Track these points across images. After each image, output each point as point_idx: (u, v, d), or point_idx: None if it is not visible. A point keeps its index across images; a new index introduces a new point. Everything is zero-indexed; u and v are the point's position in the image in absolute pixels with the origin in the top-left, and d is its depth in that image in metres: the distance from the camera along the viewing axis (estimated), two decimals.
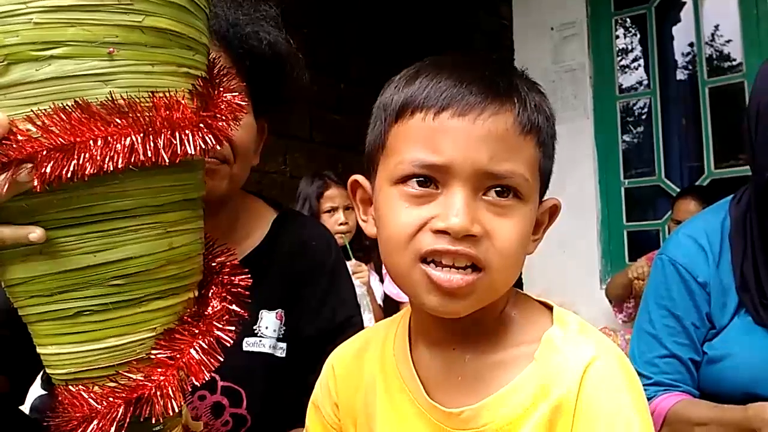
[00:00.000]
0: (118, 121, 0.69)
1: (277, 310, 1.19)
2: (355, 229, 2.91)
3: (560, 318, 0.80)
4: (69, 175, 0.67)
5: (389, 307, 2.92)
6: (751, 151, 1.27)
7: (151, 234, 0.76)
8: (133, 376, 0.77)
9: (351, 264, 2.72)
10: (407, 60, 0.81)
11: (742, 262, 1.30)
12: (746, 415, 1.19)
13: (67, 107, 0.68)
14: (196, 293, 0.85)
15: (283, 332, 1.19)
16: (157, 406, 0.76)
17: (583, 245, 4.07)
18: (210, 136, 0.76)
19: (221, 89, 0.82)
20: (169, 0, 0.73)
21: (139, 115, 0.70)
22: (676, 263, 1.35)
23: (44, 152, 0.67)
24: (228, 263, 0.90)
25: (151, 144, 0.70)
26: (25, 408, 1.26)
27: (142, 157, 0.70)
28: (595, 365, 0.73)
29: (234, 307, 0.86)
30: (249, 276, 0.90)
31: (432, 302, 0.73)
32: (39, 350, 0.79)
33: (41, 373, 1.19)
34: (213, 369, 0.80)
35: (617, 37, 4.31)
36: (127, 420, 0.75)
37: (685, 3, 4.12)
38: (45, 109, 0.67)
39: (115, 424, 0.75)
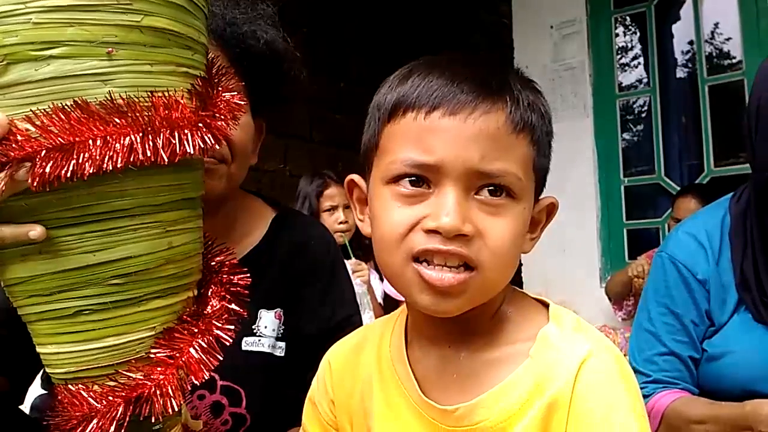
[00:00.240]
0: (117, 120, 0.69)
1: (276, 310, 1.19)
2: (354, 228, 2.91)
3: (556, 315, 0.80)
4: (68, 174, 0.67)
5: (389, 305, 2.93)
6: (751, 149, 1.27)
7: (150, 233, 0.76)
8: (133, 375, 0.77)
9: (351, 263, 2.72)
10: (407, 59, 0.81)
11: (742, 259, 1.30)
12: (743, 412, 1.19)
13: (66, 107, 0.68)
14: (196, 292, 0.85)
15: (282, 332, 1.19)
16: (156, 405, 0.76)
17: (582, 244, 4.07)
18: (209, 135, 0.76)
19: (220, 89, 0.82)
20: (167, 0, 0.73)
21: (138, 114, 0.70)
22: (676, 261, 1.36)
23: (43, 152, 0.67)
24: (227, 262, 0.90)
25: (150, 143, 0.71)
26: (26, 408, 1.26)
27: (141, 157, 0.70)
28: (591, 362, 0.73)
29: (233, 306, 0.86)
30: (248, 275, 0.90)
31: (424, 301, 0.73)
32: (38, 349, 0.79)
33: (41, 372, 1.19)
34: (212, 368, 0.80)
35: (617, 35, 4.31)
36: (127, 419, 0.75)
37: (684, 1, 4.12)
38: (44, 109, 0.68)
39: (114, 423, 0.75)
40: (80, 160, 0.67)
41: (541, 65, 4.19)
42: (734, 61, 4.12)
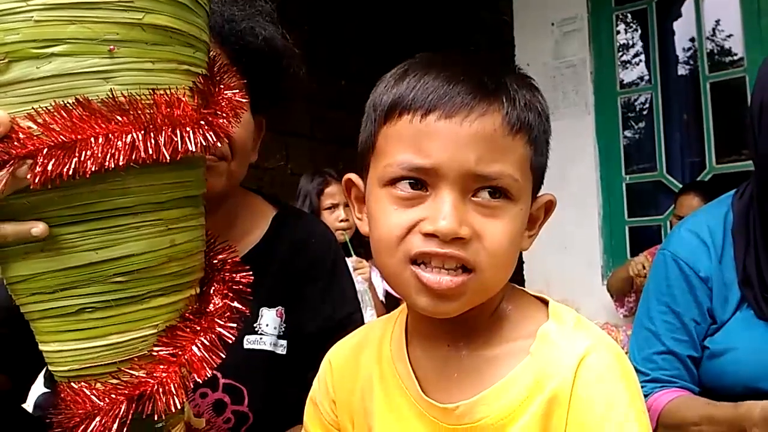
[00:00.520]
0: (119, 118, 0.69)
1: (277, 308, 1.19)
2: (355, 226, 2.91)
3: (556, 313, 0.80)
4: (70, 172, 0.67)
5: (391, 303, 2.93)
6: (754, 145, 1.27)
7: (152, 231, 0.76)
8: (136, 373, 0.77)
9: (352, 261, 2.72)
10: (407, 56, 0.81)
11: (745, 256, 1.30)
12: (736, 414, 1.19)
13: (68, 105, 0.68)
14: (198, 290, 0.85)
15: (283, 330, 1.19)
16: (159, 403, 0.76)
17: (584, 241, 4.07)
18: (211, 133, 0.76)
19: (222, 86, 0.82)
20: None
21: (139, 112, 0.70)
22: (678, 258, 1.35)
23: (45, 150, 0.67)
24: (229, 260, 0.90)
25: (152, 141, 0.70)
26: (28, 406, 1.26)
27: (143, 155, 0.70)
28: (590, 358, 0.73)
29: (235, 304, 0.86)
30: (250, 273, 0.90)
31: (422, 303, 0.73)
32: (41, 347, 0.79)
33: (44, 370, 1.19)
34: (215, 366, 0.81)
35: (618, 32, 4.30)
36: (130, 417, 0.75)
37: None
38: (46, 107, 0.68)
39: (117, 420, 0.75)
40: (82, 158, 0.67)
41: (542, 63, 4.19)
42: (736, 58, 4.11)
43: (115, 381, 0.77)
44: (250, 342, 1.16)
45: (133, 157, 0.70)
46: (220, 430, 1.12)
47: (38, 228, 0.71)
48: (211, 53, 0.86)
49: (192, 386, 0.82)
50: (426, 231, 0.71)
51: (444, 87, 0.72)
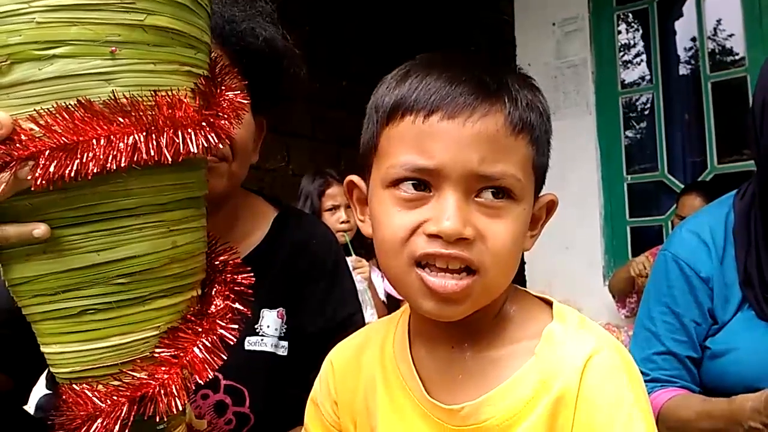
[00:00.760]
0: (121, 120, 0.69)
1: (278, 309, 1.19)
2: (356, 227, 2.91)
3: (560, 313, 0.80)
4: (72, 174, 0.67)
5: (391, 305, 2.93)
6: (756, 146, 1.26)
7: (154, 232, 0.76)
8: (137, 375, 0.77)
9: (352, 260, 2.72)
10: (408, 57, 0.81)
11: (746, 256, 1.30)
12: (731, 409, 1.19)
13: (69, 106, 0.68)
14: (200, 291, 0.85)
15: (284, 331, 1.19)
16: (160, 405, 0.76)
17: (585, 241, 4.07)
18: (212, 134, 0.76)
19: (223, 87, 0.82)
20: None
21: (141, 113, 0.70)
22: (679, 259, 1.35)
23: (47, 151, 0.67)
24: (231, 261, 0.90)
25: (154, 143, 0.70)
26: (30, 407, 1.26)
27: (144, 156, 0.70)
28: (596, 358, 0.73)
29: (237, 305, 0.86)
30: (252, 274, 0.90)
31: (427, 307, 0.73)
32: (43, 349, 0.79)
33: (45, 372, 1.19)
34: (216, 367, 0.80)
35: (619, 32, 4.31)
36: (131, 418, 0.75)
37: None
38: (48, 109, 0.67)
39: (119, 422, 0.75)
40: (84, 160, 0.67)
41: (544, 63, 4.20)
42: (737, 57, 4.11)
43: (116, 383, 0.77)
44: (251, 343, 1.16)
45: (135, 158, 0.70)
46: (221, 431, 1.12)
47: (40, 229, 0.71)
48: (212, 54, 0.86)
49: (193, 388, 0.82)
50: (430, 232, 0.71)
51: (446, 88, 0.72)
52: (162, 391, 0.76)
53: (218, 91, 0.81)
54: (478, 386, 0.77)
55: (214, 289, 0.87)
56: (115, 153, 0.68)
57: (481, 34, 4.39)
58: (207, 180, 0.87)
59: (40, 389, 1.24)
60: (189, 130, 0.73)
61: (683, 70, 4.45)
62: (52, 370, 0.81)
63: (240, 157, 1.13)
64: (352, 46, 3.73)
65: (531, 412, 0.74)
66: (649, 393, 1.30)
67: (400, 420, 0.82)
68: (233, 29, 1.12)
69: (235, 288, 0.88)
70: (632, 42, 4.62)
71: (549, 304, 0.82)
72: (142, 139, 0.70)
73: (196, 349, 0.79)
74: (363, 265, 2.81)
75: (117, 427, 0.75)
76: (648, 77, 4.30)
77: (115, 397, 0.76)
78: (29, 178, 0.67)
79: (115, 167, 0.69)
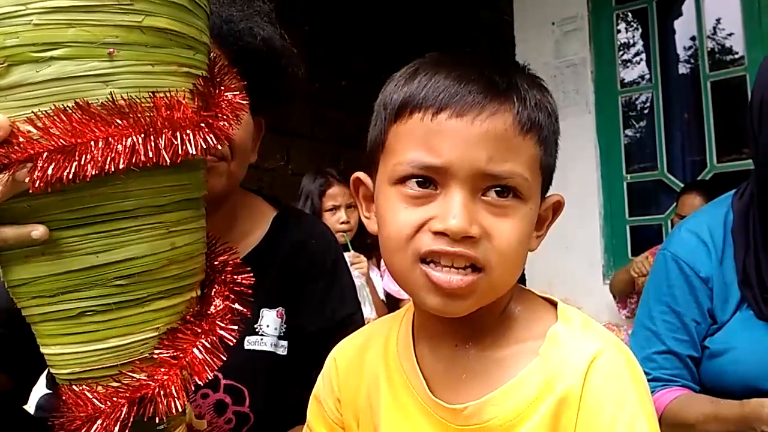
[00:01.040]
0: (119, 121, 0.69)
1: (277, 309, 1.19)
2: (356, 228, 2.91)
3: (564, 314, 0.80)
4: (70, 176, 0.67)
5: (389, 304, 2.93)
6: (755, 144, 1.26)
7: (153, 234, 0.76)
8: (137, 376, 0.77)
9: (349, 255, 2.71)
10: (408, 56, 0.81)
11: (744, 257, 1.30)
12: (743, 411, 1.19)
13: (67, 108, 0.67)
14: (199, 292, 0.85)
15: (284, 330, 1.19)
16: (160, 406, 0.76)
17: (585, 240, 4.07)
18: (211, 135, 0.76)
19: (222, 88, 0.82)
20: (169, 0, 0.73)
21: (139, 115, 0.70)
22: (678, 259, 1.35)
23: (45, 154, 0.67)
24: (230, 262, 0.90)
25: (152, 144, 0.70)
26: (30, 407, 1.26)
27: (143, 158, 0.70)
28: (600, 359, 0.73)
29: (236, 306, 0.86)
30: (251, 275, 0.90)
31: (432, 302, 0.73)
32: (43, 350, 0.79)
33: (45, 372, 1.19)
34: (216, 368, 0.80)
35: (618, 31, 4.31)
36: (131, 419, 0.75)
37: None
38: (46, 111, 0.67)
39: (118, 423, 0.75)
40: (82, 162, 0.67)
41: (543, 62, 4.20)
42: (736, 56, 4.11)
43: (116, 384, 0.77)
44: (250, 343, 1.16)
45: (133, 160, 0.69)
46: (222, 431, 1.12)
47: (38, 231, 0.71)
48: (210, 54, 0.86)
49: (193, 388, 0.82)
50: (436, 229, 0.71)
51: (455, 86, 0.72)
52: (161, 392, 0.76)
53: (217, 91, 0.81)
54: (482, 386, 0.77)
55: (214, 290, 0.87)
56: (113, 155, 0.68)
57: (480, 34, 4.39)
58: (206, 180, 0.87)
59: (40, 389, 1.24)
60: (187, 132, 0.73)
61: (683, 69, 4.45)
62: (52, 371, 0.81)
63: (239, 157, 1.13)
64: (351, 46, 3.73)
65: (534, 412, 0.74)
66: (651, 392, 1.30)
67: (404, 418, 0.82)
68: (231, 29, 1.12)
69: (235, 288, 0.88)
70: (631, 41, 4.62)
71: (554, 304, 0.82)
72: (140, 141, 0.70)
73: (195, 350, 0.79)
74: (360, 261, 2.81)
75: (117, 428, 0.75)
76: (647, 76, 4.30)
77: (114, 399, 0.76)
78: (27, 180, 0.67)
79: (113, 169, 0.69)
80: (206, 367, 0.80)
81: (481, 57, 0.79)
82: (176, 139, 0.72)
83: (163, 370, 0.78)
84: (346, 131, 3.47)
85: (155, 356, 0.78)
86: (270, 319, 1.18)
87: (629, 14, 4.48)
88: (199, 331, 0.81)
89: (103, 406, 0.76)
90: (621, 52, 4.39)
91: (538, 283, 3.82)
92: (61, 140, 0.67)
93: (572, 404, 0.72)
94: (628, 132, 4.38)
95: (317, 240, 1.27)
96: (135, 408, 0.76)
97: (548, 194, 0.81)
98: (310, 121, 3.51)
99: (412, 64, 0.79)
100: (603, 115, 4.17)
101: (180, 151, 0.72)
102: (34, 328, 0.79)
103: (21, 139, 0.67)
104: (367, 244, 2.89)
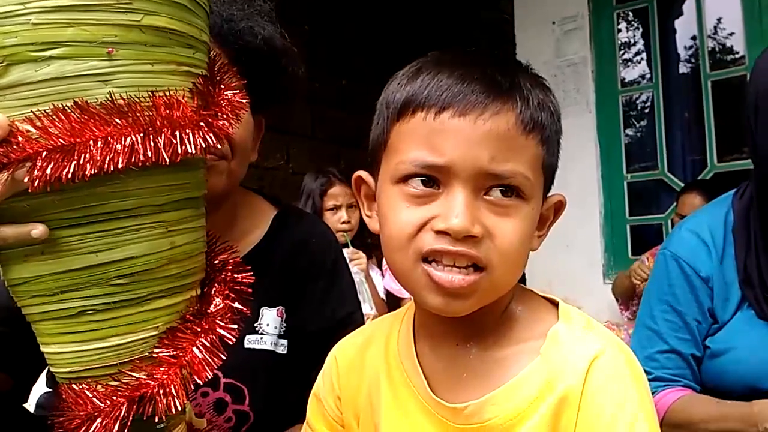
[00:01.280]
0: (118, 121, 0.69)
1: (277, 307, 1.19)
2: (357, 228, 2.91)
3: (566, 314, 0.80)
4: (69, 175, 0.67)
5: (390, 302, 2.93)
6: (753, 143, 1.26)
7: (152, 233, 0.76)
8: (136, 375, 0.77)
9: (348, 251, 2.72)
10: (409, 55, 0.81)
11: (745, 256, 1.30)
12: (751, 412, 1.19)
13: (66, 108, 0.67)
14: (199, 291, 0.85)
15: (284, 329, 1.19)
16: (160, 405, 0.76)
17: (585, 239, 4.07)
18: (211, 134, 0.76)
19: (222, 87, 0.82)
20: None
21: (139, 114, 0.70)
22: (679, 258, 1.35)
23: (44, 153, 0.67)
24: (230, 261, 0.90)
25: (152, 143, 0.70)
26: (30, 405, 1.26)
27: (142, 157, 0.70)
28: (601, 359, 0.73)
29: (236, 304, 0.86)
30: (251, 274, 0.90)
31: (434, 302, 0.73)
32: (42, 349, 0.79)
33: (45, 370, 1.19)
34: (216, 367, 0.80)
35: (619, 30, 4.31)
36: (131, 418, 0.75)
37: None
38: (45, 110, 0.67)
39: (118, 422, 0.75)
40: (81, 161, 0.67)
41: (543, 61, 4.19)
42: (737, 56, 4.11)
43: (115, 383, 0.77)
44: (250, 341, 1.16)
45: (133, 159, 0.69)
46: (222, 430, 1.12)
47: (38, 230, 0.71)
48: (210, 53, 0.86)
49: (193, 387, 0.82)
50: (438, 229, 0.71)
51: (458, 85, 0.72)
52: (161, 391, 0.76)
53: (217, 90, 0.81)
54: (483, 385, 0.77)
55: (214, 289, 0.87)
56: (112, 154, 0.68)
57: (481, 33, 4.39)
58: (206, 179, 0.87)
59: (40, 387, 1.25)
60: (187, 131, 0.73)
61: (683, 68, 4.45)
62: (52, 369, 0.81)
63: (239, 156, 1.13)
64: (352, 45, 3.73)
65: (534, 412, 0.74)
66: (653, 392, 1.30)
67: (404, 417, 0.83)
68: (231, 28, 1.12)
69: (235, 287, 0.88)
70: (632, 40, 4.61)
71: (555, 304, 0.82)
72: (139, 140, 0.70)
73: (195, 349, 0.79)
74: (360, 257, 2.81)
75: (116, 427, 0.75)
76: (648, 76, 4.30)
77: (114, 397, 0.76)
78: (26, 179, 0.67)
79: (112, 168, 0.68)
80: (206, 366, 0.80)
81: (483, 56, 0.79)
82: (176, 139, 0.72)
83: (162, 369, 0.78)
84: (347, 131, 3.47)
85: (155, 355, 0.78)
86: (270, 318, 1.18)
87: (630, 13, 4.48)
88: (199, 330, 0.81)
89: (102, 404, 0.76)
90: (621, 52, 4.39)
91: (539, 283, 3.81)
92: (60, 139, 0.67)
93: (572, 404, 0.72)
94: (629, 131, 4.38)
95: (318, 239, 1.27)
96: (135, 407, 0.76)
97: (550, 194, 0.81)
98: (310, 120, 3.51)
99: (414, 63, 0.79)
100: (603, 114, 4.17)
101: (179, 151, 0.72)
102: (34, 327, 0.79)
103: (20, 139, 0.67)
104: (368, 243, 2.89)
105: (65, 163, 0.67)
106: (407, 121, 0.74)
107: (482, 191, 0.72)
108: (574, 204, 3.85)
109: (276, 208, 1.29)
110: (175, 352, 0.79)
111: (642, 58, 4.54)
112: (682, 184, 3.74)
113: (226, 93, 0.82)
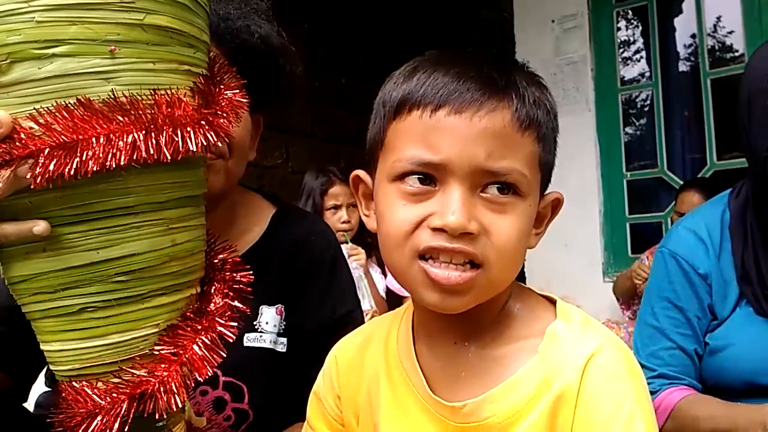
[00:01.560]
0: (120, 118, 0.70)
1: (277, 306, 1.19)
2: (357, 227, 2.91)
3: (564, 312, 0.80)
4: (71, 172, 0.67)
5: (392, 301, 2.93)
6: (747, 140, 1.27)
7: (153, 231, 0.76)
8: (137, 372, 0.77)
9: (347, 247, 2.72)
10: (408, 54, 0.81)
11: (743, 253, 1.30)
12: (762, 411, 1.17)
13: (69, 105, 0.68)
14: (199, 289, 0.86)
15: (283, 327, 1.19)
16: (160, 402, 0.76)
17: (585, 238, 4.08)
18: (211, 133, 0.76)
19: (222, 86, 0.82)
20: None
21: (140, 112, 0.70)
22: (677, 256, 1.36)
23: (47, 150, 0.67)
24: (230, 259, 0.91)
25: (153, 141, 0.71)
26: (30, 405, 1.26)
27: (144, 155, 0.70)
28: (598, 357, 0.73)
29: (236, 303, 0.86)
30: (251, 272, 0.90)
31: (431, 299, 0.73)
32: (43, 347, 0.80)
33: (45, 369, 1.20)
34: (216, 365, 0.81)
35: (619, 29, 4.31)
36: (131, 416, 0.76)
37: None
38: (47, 107, 0.68)
39: (118, 419, 0.75)
40: (83, 158, 0.68)
41: (543, 59, 4.19)
42: (736, 54, 4.12)
43: (116, 380, 0.77)
44: (250, 340, 1.16)
45: (134, 157, 0.70)
46: (221, 428, 1.12)
47: (40, 226, 0.71)
48: (212, 53, 0.86)
49: (193, 385, 0.83)
50: (434, 226, 0.71)
51: (454, 83, 0.72)
52: (161, 389, 0.76)
53: (217, 89, 0.81)
54: (481, 383, 0.78)
55: (214, 287, 0.87)
56: (114, 151, 0.68)
57: (480, 32, 4.39)
58: (206, 178, 0.87)
59: (39, 386, 1.25)
60: (188, 129, 0.74)
61: (683, 66, 4.45)
62: (52, 367, 0.81)
63: (237, 155, 1.13)
64: (351, 44, 3.73)
65: (532, 410, 0.74)
66: (658, 390, 1.30)
67: (403, 416, 0.83)
68: (228, 27, 1.12)
69: (235, 286, 0.88)
70: (632, 39, 4.62)
71: (553, 302, 0.83)
72: (141, 138, 0.70)
73: (195, 347, 0.80)
74: (358, 252, 2.82)
75: (117, 425, 0.75)
76: (647, 74, 4.30)
77: (114, 395, 0.76)
78: (29, 176, 0.67)
79: (114, 165, 0.69)
80: (206, 364, 0.80)
81: (479, 55, 0.79)
82: (177, 136, 0.72)
83: (163, 366, 0.78)
84: (346, 130, 3.47)
85: (155, 353, 0.78)
86: (269, 316, 1.18)
87: (629, 12, 4.48)
88: (199, 328, 0.81)
89: (102, 402, 0.76)
90: (621, 50, 4.39)
91: (538, 281, 3.82)
92: (62, 137, 0.67)
93: (569, 401, 0.73)
94: (628, 130, 4.38)
95: (317, 238, 1.27)
96: (135, 404, 0.76)
97: (547, 192, 0.81)
98: (310, 119, 3.52)
99: (411, 62, 0.79)
100: (603, 112, 4.17)
101: (181, 148, 0.73)
102: (35, 325, 0.79)
103: (23, 136, 0.67)
104: (368, 243, 2.89)
105: (68, 160, 0.67)
106: (404, 120, 0.74)
107: (479, 188, 0.72)
108: (574, 203, 3.87)
109: (275, 207, 1.29)
110: (175, 350, 0.79)
111: (641, 57, 4.55)
112: (682, 183, 3.74)
113: (226, 92, 0.82)
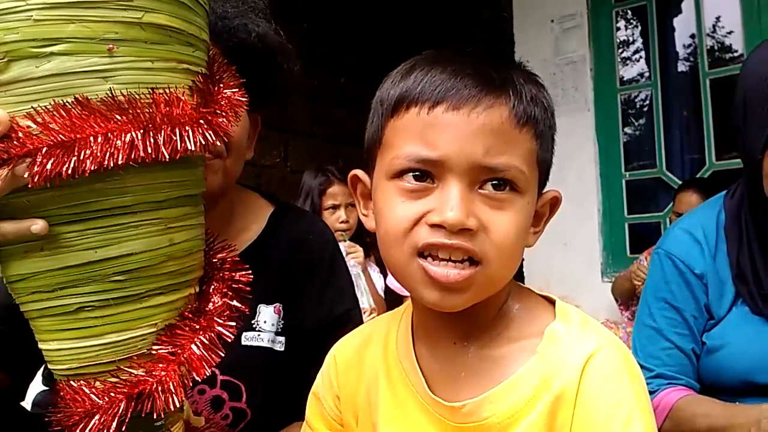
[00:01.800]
0: (118, 117, 0.69)
1: (275, 305, 1.19)
2: (355, 227, 2.91)
3: (563, 312, 0.80)
4: (69, 171, 0.67)
5: (391, 300, 2.93)
6: (742, 140, 1.27)
7: (151, 230, 0.76)
8: (135, 372, 0.77)
9: (345, 245, 2.72)
10: (408, 54, 0.81)
11: (738, 253, 1.31)
12: (760, 409, 1.17)
13: (67, 104, 0.68)
14: (197, 289, 0.86)
15: (281, 326, 1.19)
16: (158, 401, 0.76)
17: (584, 238, 4.08)
18: (210, 132, 0.76)
19: (221, 85, 0.82)
20: None
21: (139, 111, 0.70)
22: (673, 256, 1.36)
23: (44, 149, 0.67)
24: (228, 259, 0.90)
25: (151, 140, 0.70)
26: (27, 404, 1.26)
27: (142, 154, 0.70)
28: (597, 357, 0.74)
29: (234, 302, 0.86)
30: (249, 272, 0.90)
31: (429, 296, 0.73)
32: (40, 346, 0.79)
33: (42, 369, 1.19)
34: (214, 364, 0.81)
35: (618, 29, 4.31)
36: (129, 415, 0.76)
37: None
38: (45, 106, 0.68)
39: (116, 419, 0.75)
40: (81, 157, 0.67)
41: (542, 60, 4.19)
42: (736, 54, 4.12)
43: (114, 379, 0.77)
44: (248, 339, 1.16)
45: (133, 156, 0.70)
46: (219, 427, 1.12)
47: (38, 225, 0.71)
48: (211, 52, 0.86)
49: (191, 384, 0.83)
50: (433, 222, 0.71)
51: (451, 80, 0.72)
52: (159, 388, 0.76)
53: (216, 88, 0.81)
54: (480, 384, 0.78)
55: (212, 287, 0.87)
56: (112, 150, 0.68)
57: (480, 32, 4.39)
58: (204, 177, 0.87)
59: (36, 386, 1.25)
60: (186, 128, 0.73)
61: (682, 67, 4.45)
62: (50, 366, 0.81)
63: (234, 154, 1.12)
64: (350, 43, 3.73)
65: (531, 410, 0.74)
66: (657, 390, 1.30)
67: (402, 416, 0.83)
68: (225, 25, 1.12)
69: (233, 285, 0.88)
70: (631, 39, 4.62)
71: (552, 302, 0.83)
72: (139, 137, 0.70)
73: (193, 346, 0.79)
74: (356, 250, 2.82)
75: (114, 424, 0.75)
76: (647, 74, 4.30)
77: (112, 394, 0.76)
78: (26, 175, 0.67)
79: (112, 165, 0.69)
80: (204, 364, 0.80)
81: (476, 53, 0.79)
82: (175, 136, 0.72)
83: (161, 365, 0.78)
84: (345, 129, 3.47)
85: (153, 352, 0.78)
86: (267, 315, 1.18)
87: (629, 12, 4.48)
88: (197, 327, 0.81)
89: (100, 401, 0.76)
90: (620, 50, 4.40)
91: (537, 281, 3.83)
92: (60, 135, 0.67)
93: (568, 401, 0.73)
94: (627, 130, 4.38)
95: (315, 237, 1.27)
96: (133, 404, 0.76)
97: (545, 190, 0.81)
98: (309, 118, 3.52)
99: (408, 61, 0.80)
100: (602, 112, 4.17)
101: (179, 148, 0.72)
102: (32, 324, 0.79)
103: (20, 135, 0.67)
104: (367, 242, 2.89)
105: (65, 159, 0.67)
106: (401, 117, 0.75)
107: (477, 185, 0.72)
108: (573, 202, 3.88)
109: (273, 206, 1.29)
110: (173, 349, 0.79)
111: (641, 57, 4.55)
112: (681, 183, 3.75)
113: (224, 91, 0.82)
